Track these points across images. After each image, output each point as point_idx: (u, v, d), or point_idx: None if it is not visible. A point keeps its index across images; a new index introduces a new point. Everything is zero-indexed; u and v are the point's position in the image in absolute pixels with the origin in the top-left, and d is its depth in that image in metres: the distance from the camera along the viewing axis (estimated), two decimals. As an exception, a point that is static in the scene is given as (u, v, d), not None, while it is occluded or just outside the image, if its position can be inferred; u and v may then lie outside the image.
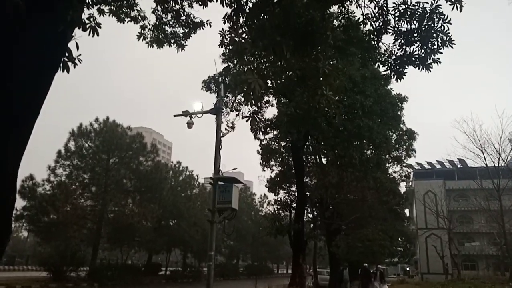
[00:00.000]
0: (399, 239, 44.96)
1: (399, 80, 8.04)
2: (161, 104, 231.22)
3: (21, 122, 3.80)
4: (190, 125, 13.45)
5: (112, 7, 7.19)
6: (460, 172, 59.37)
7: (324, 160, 26.64)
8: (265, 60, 7.94)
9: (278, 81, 12.71)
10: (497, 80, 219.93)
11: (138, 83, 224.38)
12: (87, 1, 5.73)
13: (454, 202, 58.32)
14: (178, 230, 38.07)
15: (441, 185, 58.94)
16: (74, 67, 4.93)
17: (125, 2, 7.29)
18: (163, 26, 7.61)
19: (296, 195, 24.46)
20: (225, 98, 17.09)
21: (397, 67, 7.94)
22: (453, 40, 6.75)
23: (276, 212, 26.92)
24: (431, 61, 7.09)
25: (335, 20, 8.96)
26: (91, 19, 5.73)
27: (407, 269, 76.85)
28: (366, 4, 7.06)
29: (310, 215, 29.72)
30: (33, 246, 43.38)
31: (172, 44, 7.77)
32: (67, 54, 4.60)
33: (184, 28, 7.64)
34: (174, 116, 13.72)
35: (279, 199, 28.06)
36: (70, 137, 31.13)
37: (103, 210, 31.43)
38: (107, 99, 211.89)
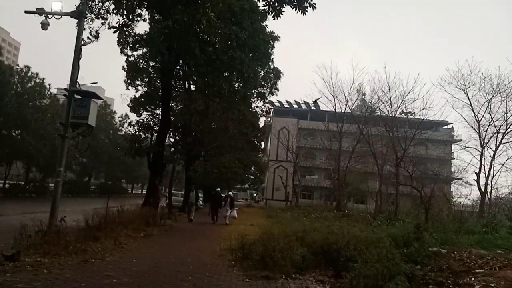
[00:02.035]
0: (252, 168, 48.85)
1: (276, 18, 8.23)
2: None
3: None
4: (45, 25, 11.67)
5: None
6: (313, 114, 65.92)
7: (192, 87, 26.43)
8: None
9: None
10: (360, 35, 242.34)
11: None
12: None
13: (304, 139, 65.11)
14: (22, 142, 34.34)
15: (295, 124, 64.62)
16: None
17: None
18: None
19: (160, 118, 24.03)
20: (90, 2, 15.13)
21: (276, 4, 8.09)
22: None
23: (137, 133, 26.23)
24: (307, 4, 7.40)
25: None
26: None
27: (255, 195, 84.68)
28: None
29: (172, 140, 29.83)
30: None
31: None
32: None
33: None
34: (26, 12, 11.71)
35: (141, 120, 27.28)
36: None
37: None
38: None
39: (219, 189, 25.67)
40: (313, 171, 66.13)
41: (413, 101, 31.13)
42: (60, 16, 11.41)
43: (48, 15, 11.44)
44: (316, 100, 43.31)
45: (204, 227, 20.25)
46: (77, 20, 11.63)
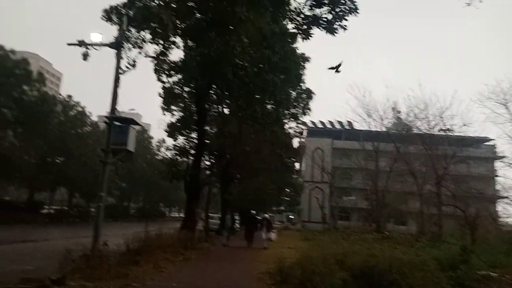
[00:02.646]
0: (287, 190, 48.47)
1: (305, 40, 8.32)
2: (52, 30, 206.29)
3: None
4: (85, 56, 12.29)
5: None
6: (347, 133, 65.08)
7: (226, 111, 26.83)
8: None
9: (187, 23, 12.15)
10: (390, 52, 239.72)
11: (27, 3, 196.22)
12: None
13: (339, 159, 64.12)
14: (65, 168, 35.80)
15: (329, 144, 63.90)
16: None
17: None
18: None
19: (195, 142, 24.45)
20: (127, 33, 15.83)
21: (305, 26, 8.17)
22: (358, 10, 7.10)
23: (174, 157, 26.76)
24: (338, 26, 7.41)
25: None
26: None
27: (291, 217, 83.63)
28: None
29: (208, 163, 30.19)
30: None
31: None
32: None
33: None
34: (68, 44, 12.39)
35: (177, 144, 27.84)
36: None
37: (-24, 141, 28.01)
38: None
39: (254, 211, 25.54)
40: (349, 191, 64.76)
41: (451, 118, 30.17)
42: (99, 47, 12.00)
43: (89, 47, 12.06)
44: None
45: (241, 250, 20.12)
46: (115, 51, 12.18)
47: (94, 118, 42.82)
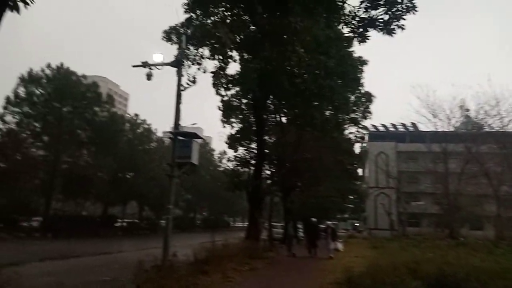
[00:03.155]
0: (351, 197, 47.23)
1: (362, 43, 8.12)
2: (118, 53, 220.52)
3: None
4: (149, 76, 12.99)
5: None
6: (412, 135, 62.23)
7: (284, 119, 26.90)
8: (229, 13, 7.71)
9: (242, 36, 12.41)
10: (453, 49, 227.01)
11: (95, 31, 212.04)
12: None
13: (404, 163, 61.38)
14: (135, 183, 37.82)
15: (393, 147, 61.50)
16: (26, 7, 4.56)
17: None
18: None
19: (255, 152, 24.75)
20: (186, 51, 16.52)
21: (361, 29, 7.98)
22: (417, 7, 6.83)
23: (235, 168, 27.23)
24: (395, 26, 7.16)
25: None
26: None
27: (356, 224, 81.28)
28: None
29: (268, 172, 30.35)
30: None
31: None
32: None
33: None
34: (133, 66, 13.17)
35: (238, 155, 28.32)
36: (19, 83, 29.36)
37: (56, 161, 30.46)
38: (61, 45, 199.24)
39: (315, 219, 24.86)
40: (418, 196, 61.65)
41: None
42: (162, 66, 12.64)
43: (151, 67, 12.73)
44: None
45: (306, 259, 19.87)
46: (176, 69, 12.74)
47: (159, 134, 44.98)
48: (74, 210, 38.29)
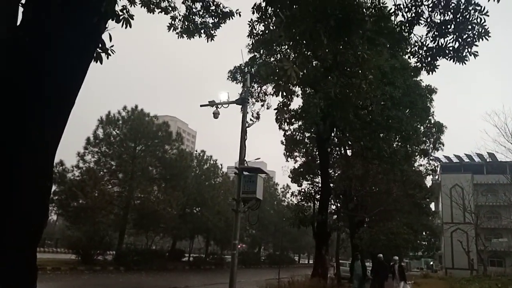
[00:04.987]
0: (424, 233, 44.26)
1: (430, 73, 7.80)
2: (187, 93, 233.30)
3: (58, 112, 3.90)
4: (216, 115, 13.54)
5: (144, -2, 7.24)
6: (489, 166, 57.64)
7: (349, 152, 26.36)
8: (291, 50, 7.86)
9: (305, 71, 12.57)
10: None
11: (166, 73, 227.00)
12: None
13: (482, 196, 56.78)
14: (201, 217, 38.63)
15: (469, 179, 57.43)
16: (107, 58, 5.02)
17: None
18: (193, 17, 7.63)
19: (320, 186, 24.35)
20: (250, 88, 17.05)
21: (429, 59, 7.69)
22: (490, 33, 6.49)
23: (300, 203, 26.88)
24: (467, 53, 6.83)
25: (365, 10, 8.76)
26: (124, 11, 5.80)
27: (431, 263, 75.76)
28: (399, -6, 6.85)
29: (334, 207, 29.57)
30: (62, 230, 44.85)
31: (202, 35, 7.78)
32: (100, 45, 4.68)
33: (213, 18, 7.64)
34: (201, 106, 13.82)
35: (302, 190, 27.99)
36: (98, 125, 31.87)
37: (130, 197, 32.20)
38: (134, 88, 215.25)
39: (381, 255, 22.04)
40: (500, 233, 56.40)
41: None
42: (227, 104, 13.12)
43: (218, 106, 13.26)
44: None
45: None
46: (241, 106, 13.16)
47: (224, 169, 46.06)
48: (145, 244, 39.78)
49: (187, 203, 38.12)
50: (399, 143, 21.36)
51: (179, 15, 7.75)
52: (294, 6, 5.87)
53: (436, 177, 57.15)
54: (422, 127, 25.50)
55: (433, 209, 50.93)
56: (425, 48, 7.06)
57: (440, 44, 6.80)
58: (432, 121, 27.94)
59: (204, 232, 42.25)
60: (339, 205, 29.90)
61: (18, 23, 3.74)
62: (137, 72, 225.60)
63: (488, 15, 6.29)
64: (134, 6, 7.16)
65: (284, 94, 5.82)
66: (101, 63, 4.74)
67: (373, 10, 7.95)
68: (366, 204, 28.36)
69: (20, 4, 3.78)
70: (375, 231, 29.70)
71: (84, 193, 28.05)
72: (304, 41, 6.42)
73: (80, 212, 29.12)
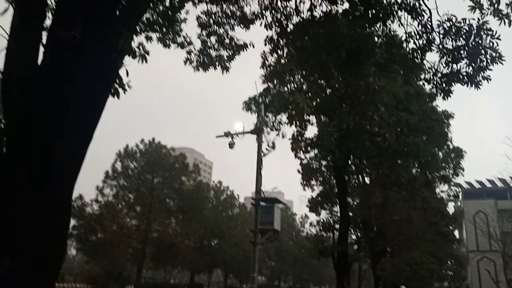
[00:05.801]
0: (449, 262, 42.62)
1: (446, 98, 7.74)
2: (202, 124, 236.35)
3: (77, 147, 3.99)
4: (231, 145, 13.61)
5: (159, 34, 7.49)
6: (514, 192, 55.99)
7: (367, 179, 25.97)
8: (304, 80, 7.95)
9: (319, 100, 12.64)
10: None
11: (181, 105, 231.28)
12: (136, 30, 6.00)
13: (508, 223, 54.77)
14: (219, 250, 38.24)
15: (492, 205, 55.67)
16: (124, 92, 5.15)
17: (171, 29, 7.59)
18: (208, 50, 7.83)
19: (338, 215, 23.93)
20: (265, 118, 17.19)
21: (444, 85, 7.65)
22: (503, 56, 6.46)
23: (319, 233, 26.37)
24: (480, 78, 6.79)
25: (376, 38, 8.85)
26: (140, 47, 6.00)
27: (459, 294, 72.52)
28: (409, 23, 6.91)
29: (354, 236, 28.86)
30: (81, 264, 44.88)
31: (217, 67, 7.96)
32: (118, 81, 4.82)
33: (228, 50, 7.83)
34: (217, 137, 13.94)
35: (321, 220, 27.47)
36: (117, 158, 32.40)
37: (148, 230, 32.21)
38: (151, 121, 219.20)
39: (403, 287, 21.92)
40: (530, 261, 53.89)
41: None
42: (243, 135, 13.21)
43: (233, 136, 13.37)
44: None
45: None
46: (256, 136, 13.23)
47: (241, 199, 45.87)
48: (163, 278, 39.36)
49: (205, 235, 37.86)
50: (418, 170, 20.98)
51: (195, 49, 7.98)
52: (305, 37, 5.98)
53: (458, 203, 55.59)
54: (440, 153, 25.08)
55: (457, 237, 49.29)
56: (439, 75, 7.04)
57: (453, 69, 6.78)
58: (451, 147, 27.49)
59: (222, 264, 41.66)
60: (359, 234, 29.20)
61: (39, 61, 3.91)
62: (152, 104, 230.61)
63: (500, 39, 6.27)
64: (151, 42, 7.40)
65: (298, 124, 5.84)
66: (118, 97, 4.87)
67: (384, 39, 8.05)
68: (387, 232, 27.63)
69: (41, 44, 3.96)
70: (398, 261, 28.79)
71: (102, 227, 28.22)
72: (316, 74, 6.51)
73: (98, 247, 29.19)
